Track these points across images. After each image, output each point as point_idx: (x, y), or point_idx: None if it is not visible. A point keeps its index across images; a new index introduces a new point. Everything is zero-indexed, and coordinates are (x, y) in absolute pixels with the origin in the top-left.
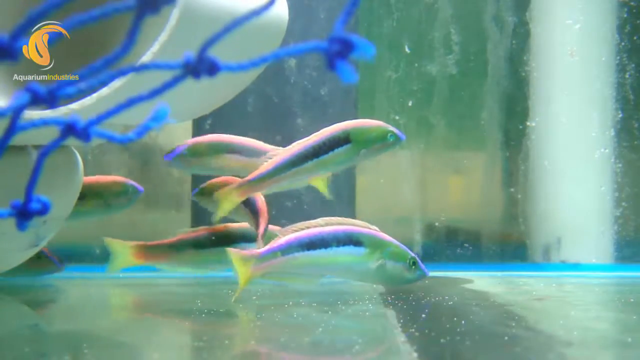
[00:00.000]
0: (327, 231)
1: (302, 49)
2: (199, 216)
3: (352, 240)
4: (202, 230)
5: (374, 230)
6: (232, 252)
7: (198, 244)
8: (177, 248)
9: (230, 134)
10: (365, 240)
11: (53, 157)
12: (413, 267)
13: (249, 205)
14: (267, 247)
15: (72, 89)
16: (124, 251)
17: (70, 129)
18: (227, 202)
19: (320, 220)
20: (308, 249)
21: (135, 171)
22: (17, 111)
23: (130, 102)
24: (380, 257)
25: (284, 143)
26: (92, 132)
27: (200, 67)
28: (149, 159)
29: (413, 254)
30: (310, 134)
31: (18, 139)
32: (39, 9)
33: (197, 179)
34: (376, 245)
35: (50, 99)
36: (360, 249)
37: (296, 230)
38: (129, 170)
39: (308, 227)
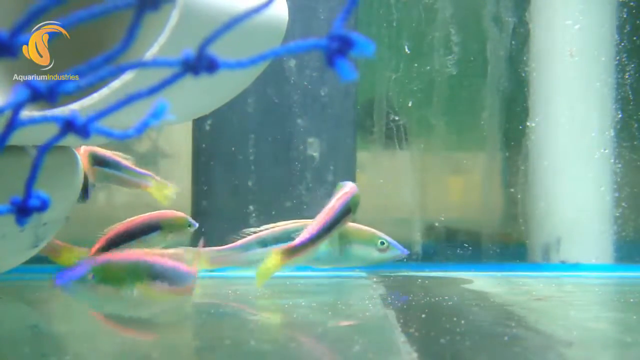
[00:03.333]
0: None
1: (301, 46)
2: (199, 212)
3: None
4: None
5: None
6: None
7: (263, 243)
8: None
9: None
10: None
11: (53, 158)
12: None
13: None
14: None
15: (72, 85)
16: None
17: (69, 125)
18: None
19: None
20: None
21: None
22: (17, 107)
23: (129, 100)
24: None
25: (284, 143)
26: (91, 128)
27: (200, 64)
28: (150, 162)
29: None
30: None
31: (18, 139)
32: (39, 6)
33: (197, 182)
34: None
35: (50, 95)
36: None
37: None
38: None
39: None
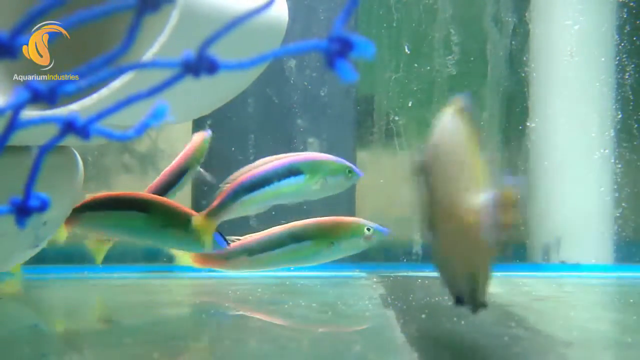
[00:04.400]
0: (268, 169)
1: (301, 47)
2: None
3: (291, 171)
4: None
5: (311, 155)
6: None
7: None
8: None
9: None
10: (303, 168)
11: (53, 157)
12: (350, 174)
13: None
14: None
15: (72, 87)
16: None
17: (69, 126)
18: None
19: (259, 162)
20: (251, 191)
21: (135, 172)
22: (17, 108)
23: (130, 101)
24: (320, 177)
25: (284, 143)
26: (91, 129)
27: (200, 65)
28: (149, 160)
29: (349, 164)
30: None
31: (18, 139)
32: (39, 7)
33: (197, 182)
34: (314, 169)
35: (50, 96)
36: (300, 177)
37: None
38: (129, 172)
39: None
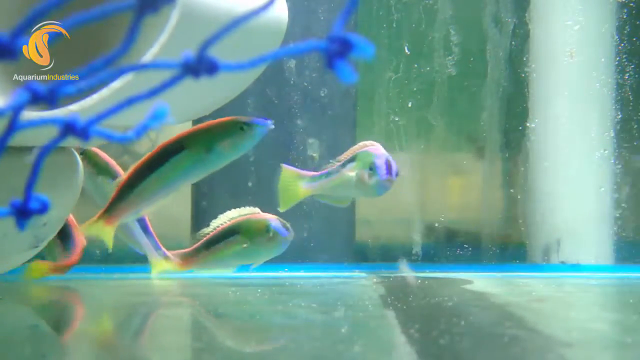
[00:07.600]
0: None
1: (301, 48)
2: (199, 213)
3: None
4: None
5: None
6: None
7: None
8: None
9: None
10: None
11: (53, 158)
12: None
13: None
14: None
15: (72, 88)
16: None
17: (69, 128)
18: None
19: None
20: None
21: None
22: (16, 110)
23: (129, 102)
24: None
25: (284, 144)
26: (91, 131)
27: (200, 66)
28: None
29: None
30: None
31: (18, 140)
32: (39, 8)
33: (197, 183)
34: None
35: (50, 98)
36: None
37: None
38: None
39: None
